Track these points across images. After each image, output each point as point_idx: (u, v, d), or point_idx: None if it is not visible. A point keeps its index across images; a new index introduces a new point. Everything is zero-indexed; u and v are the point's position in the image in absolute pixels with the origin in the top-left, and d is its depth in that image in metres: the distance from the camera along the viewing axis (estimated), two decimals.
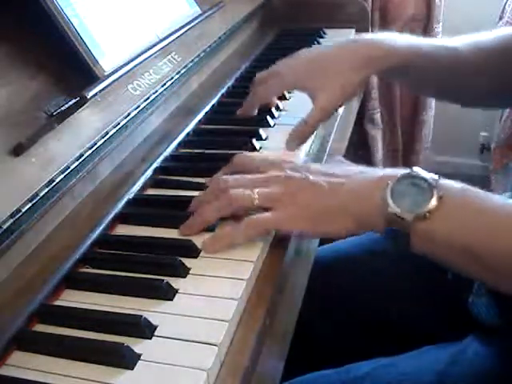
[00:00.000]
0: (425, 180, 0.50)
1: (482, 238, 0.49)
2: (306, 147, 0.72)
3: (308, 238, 0.57)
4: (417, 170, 0.51)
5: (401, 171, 0.52)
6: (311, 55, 0.74)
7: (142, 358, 0.43)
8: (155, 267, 0.52)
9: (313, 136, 0.73)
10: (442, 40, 0.75)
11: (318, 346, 0.78)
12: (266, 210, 0.54)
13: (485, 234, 0.49)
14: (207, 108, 0.82)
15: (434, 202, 0.48)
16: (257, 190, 0.54)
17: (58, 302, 0.50)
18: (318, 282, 0.67)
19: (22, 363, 0.44)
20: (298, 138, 0.69)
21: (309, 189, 0.54)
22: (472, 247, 0.49)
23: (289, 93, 0.87)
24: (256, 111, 0.78)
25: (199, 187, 0.64)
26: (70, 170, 0.58)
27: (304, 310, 0.58)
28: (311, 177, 0.54)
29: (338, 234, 0.54)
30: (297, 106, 0.82)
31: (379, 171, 0.54)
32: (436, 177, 0.50)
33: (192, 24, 0.87)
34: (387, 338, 0.75)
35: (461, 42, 0.73)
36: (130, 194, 0.63)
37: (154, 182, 0.66)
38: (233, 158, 0.62)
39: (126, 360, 0.43)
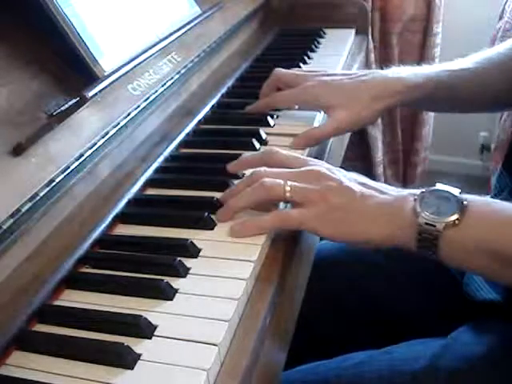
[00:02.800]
0: (449, 192, 0.53)
1: (509, 242, 0.51)
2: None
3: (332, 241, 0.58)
4: (439, 185, 0.54)
5: (425, 188, 0.54)
6: (334, 81, 0.76)
7: (141, 358, 0.43)
8: (155, 267, 0.52)
9: None
10: (454, 64, 0.77)
11: (316, 338, 0.78)
12: (295, 206, 0.56)
13: None
14: (207, 108, 0.82)
15: (461, 210, 0.51)
16: (290, 183, 0.55)
17: (57, 302, 0.50)
18: (318, 276, 0.69)
19: (22, 363, 0.44)
20: (306, 139, 0.72)
21: (340, 191, 0.55)
22: (500, 251, 0.51)
23: None
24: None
25: (199, 187, 0.64)
26: (70, 170, 0.58)
27: (304, 304, 0.59)
28: (345, 181, 0.55)
29: (358, 241, 0.55)
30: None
31: (405, 190, 0.56)
32: (458, 190, 0.53)
33: (192, 24, 0.87)
34: (384, 332, 0.77)
35: (471, 60, 0.77)
36: (130, 194, 0.63)
37: (154, 182, 0.66)
38: (263, 153, 0.63)
39: (126, 360, 0.43)
